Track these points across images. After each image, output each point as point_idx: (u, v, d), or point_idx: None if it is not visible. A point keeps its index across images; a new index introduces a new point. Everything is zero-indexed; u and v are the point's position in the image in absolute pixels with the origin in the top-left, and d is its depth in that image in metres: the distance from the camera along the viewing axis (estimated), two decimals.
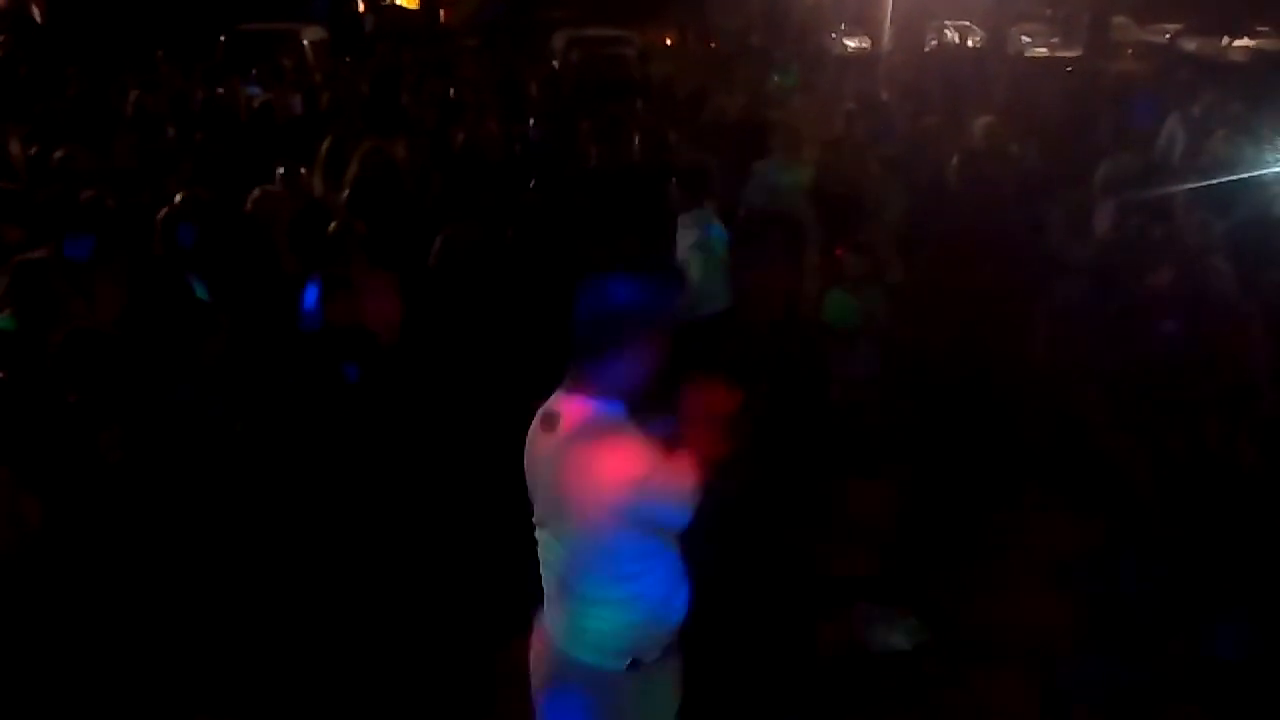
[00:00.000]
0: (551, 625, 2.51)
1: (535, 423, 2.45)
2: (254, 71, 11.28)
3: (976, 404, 5.91)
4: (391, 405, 4.72)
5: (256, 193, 5.41)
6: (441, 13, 28.82)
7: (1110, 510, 5.14)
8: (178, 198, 5.31)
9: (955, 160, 5.96)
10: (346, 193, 5.66)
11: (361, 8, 26.94)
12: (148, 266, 4.87)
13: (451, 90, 10.52)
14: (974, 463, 5.59)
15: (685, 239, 5.56)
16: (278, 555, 4.22)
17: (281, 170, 6.04)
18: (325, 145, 6.35)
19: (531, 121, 7.96)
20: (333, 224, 4.96)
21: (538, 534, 2.49)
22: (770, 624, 4.08)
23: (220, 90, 9.81)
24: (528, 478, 2.47)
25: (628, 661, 2.43)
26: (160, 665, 3.67)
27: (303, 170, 6.19)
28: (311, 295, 4.78)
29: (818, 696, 3.87)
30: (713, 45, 20.96)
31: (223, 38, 15.27)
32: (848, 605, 4.35)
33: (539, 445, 2.42)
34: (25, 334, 4.04)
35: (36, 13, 20.28)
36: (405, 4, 30.96)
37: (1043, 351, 6.37)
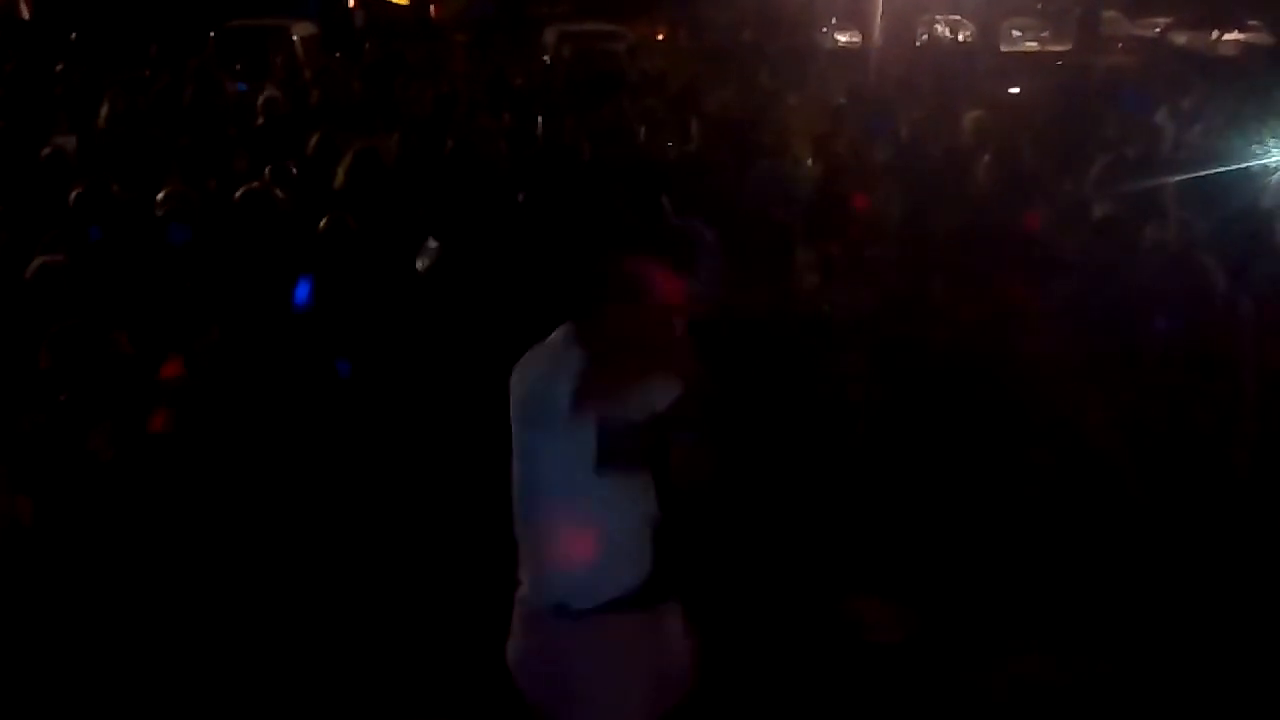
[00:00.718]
0: (527, 584, 2.57)
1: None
2: (238, 66, 11.22)
3: (970, 398, 5.92)
4: (383, 400, 4.73)
5: (245, 189, 5.39)
6: (432, 8, 28.74)
7: (1103, 505, 5.16)
8: (161, 195, 5.29)
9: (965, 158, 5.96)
10: (337, 190, 5.64)
11: (352, 3, 26.85)
12: (139, 263, 4.87)
13: (445, 86, 10.51)
14: (967, 455, 5.61)
15: None
16: (272, 551, 4.23)
17: (269, 168, 6.01)
18: (314, 141, 6.32)
19: (538, 118, 7.93)
20: (323, 221, 4.95)
21: (518, 472, 2.55)
22: (762, 616, 4.10)
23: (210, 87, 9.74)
24: (516, 407, 2.54)
25: (592, 603, 2.46)
26: (154, 664, 3.66)
27: (293, 168, 6.16)
28: (302, 292, 4.78)
29: (809, 688, 3.88)
30: (704, 40, 20.93)
31: (213, 34, 15.21)
32: (839, 597, 4.37)
33: (531, 364, 2.55)
34: (26, 334, 4.02)
35: (24, 9, 20.18)
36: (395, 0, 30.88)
37: (1036, 347, 6.38)
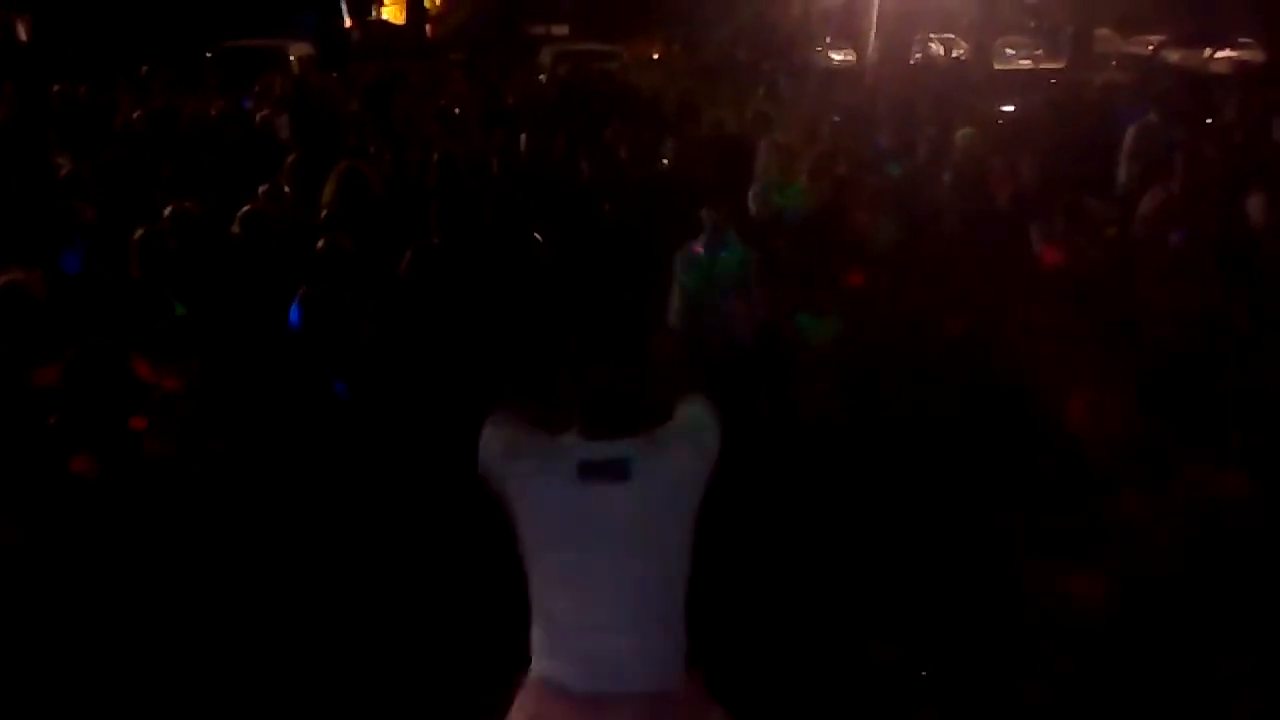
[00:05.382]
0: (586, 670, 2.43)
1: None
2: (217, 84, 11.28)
3: (965, 415, 5.92)
4: (377, 420, 4.72)
5: (245, 210, 5.40)
6: (428, 28, 28.86)
7: (1106, 520, 5.15)
8: (167, 212, 5.28)
9: (946, 176, 5.97)
10: (325, 212, 5.63)
11: (348, 24, 26.97)
12: (128, 283, 4.86)
13: (445, 104, 10.57)
14: (966, 471, 5.60)
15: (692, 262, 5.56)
16: (264, 572, 4.21)
17: (264, 188, 6.00)
18: (290, 161, 6.29)
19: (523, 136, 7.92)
20: (320, 241, 4.95)
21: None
22: (766, 637, 4.09)
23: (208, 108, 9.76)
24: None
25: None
26: (139, 683, 3.65)
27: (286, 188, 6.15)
28: (297, 313, 4.78)
29: (813, 708, 3.86)
30: (700, 59, 21.03)
31: (209, 55, 15.24)
32: (843, 617, 4.35)
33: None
34: (7, 357, 4.00)
35: (22, 30, 20.24)
36: (391, 20, 31.01)
37: (1032, 362, 6.39)
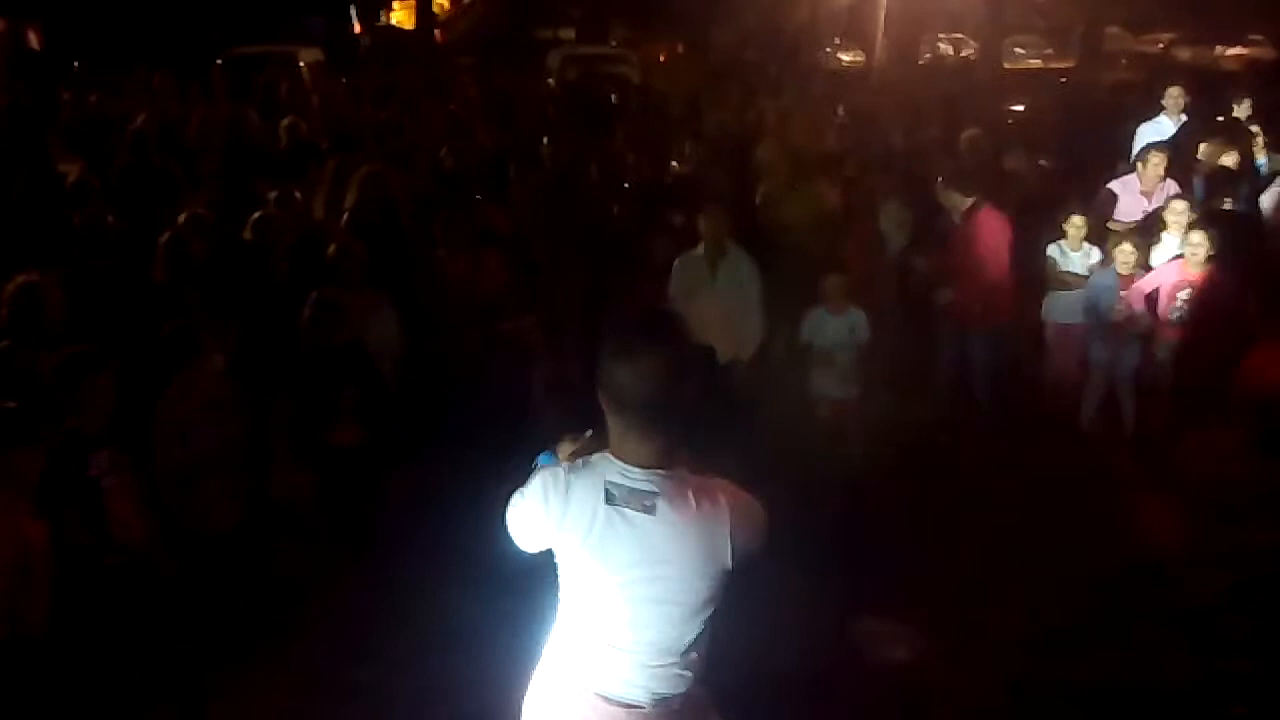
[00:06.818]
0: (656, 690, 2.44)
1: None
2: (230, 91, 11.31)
3: (970, 417, 5.93)
4: (391, 423, 4.74)
5: (257, 216, 5.42)
6: (437, 32, 28.92)
7: (1111, 519, 5.15)
8: (181, 219, 5.30)
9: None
10: (346, 216, 5.65)
11: (358, 29, 27.05)
12: (148, 287, 4.89)
13: (454, 107, 10.58)
14: (973, 474, 5.61)
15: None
16: (278, 571, 4.24)
17: (274, 194, 6.03)
18: (330, 168, 6.32)
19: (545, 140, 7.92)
20: (332, 247, 4.98)
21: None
22: (772, 639, 4.08)
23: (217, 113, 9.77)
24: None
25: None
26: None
27: (296, 194, 6.17)
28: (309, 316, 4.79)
29: (819, 709, 3.86)
30: (708, 61, 21.03)
31: (219, 61, 15.27)
32: (849, 619, 4.35)
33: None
34: (21, 356, 4.02)
35: (34, 39, 20.35)
36: (401, 25, 31.10)
37: (1039, 362, 6.40)
